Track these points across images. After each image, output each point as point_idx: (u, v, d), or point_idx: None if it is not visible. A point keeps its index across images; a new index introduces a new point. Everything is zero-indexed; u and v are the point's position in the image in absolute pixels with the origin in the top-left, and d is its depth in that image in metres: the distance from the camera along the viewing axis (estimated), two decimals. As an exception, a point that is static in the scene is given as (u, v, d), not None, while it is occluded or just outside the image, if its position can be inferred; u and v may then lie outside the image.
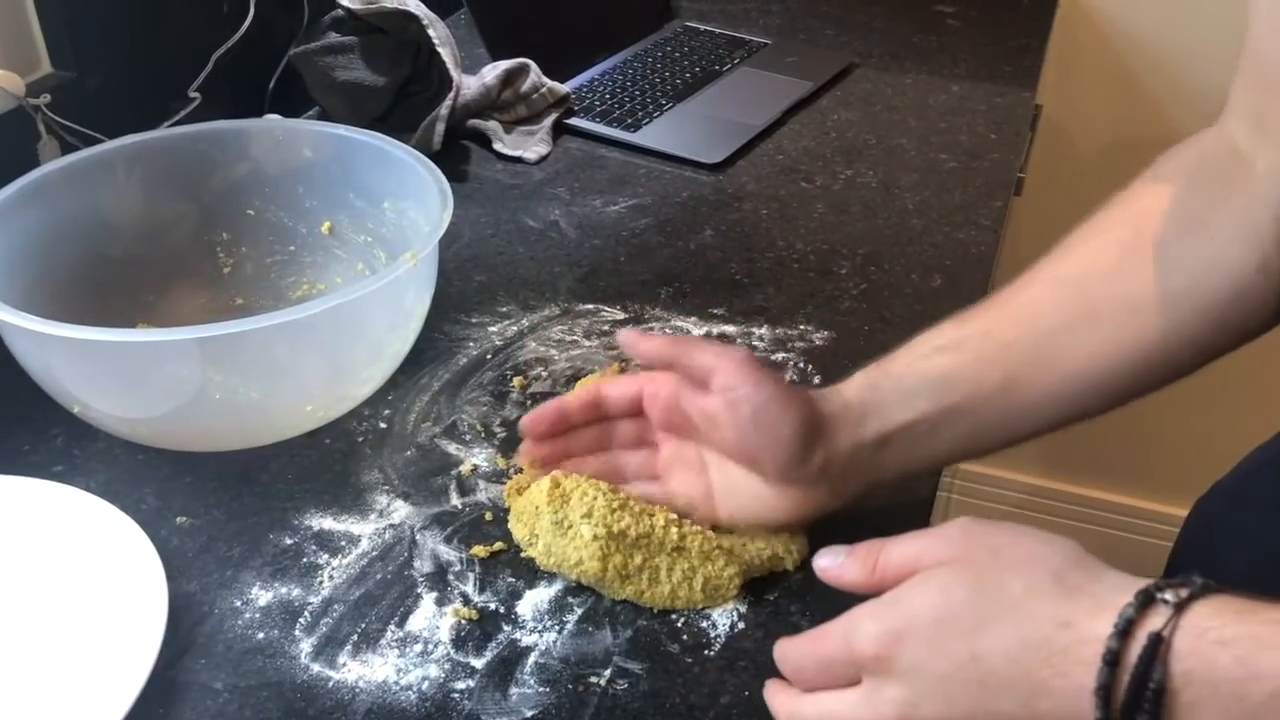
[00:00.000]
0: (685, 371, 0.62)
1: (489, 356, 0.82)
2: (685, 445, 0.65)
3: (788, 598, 0.63)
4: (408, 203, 0.79)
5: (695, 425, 0.63)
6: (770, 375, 0.60)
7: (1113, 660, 0.41)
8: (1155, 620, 0.41)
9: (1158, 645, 0.40)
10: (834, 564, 0.52)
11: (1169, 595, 0.41)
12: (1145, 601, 0.42)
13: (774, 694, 0.53)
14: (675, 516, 0.64)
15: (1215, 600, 0.41)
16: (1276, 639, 0.39)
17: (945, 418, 0.59)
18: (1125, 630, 0.41)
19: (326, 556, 0.66)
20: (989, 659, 0.44)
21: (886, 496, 0.70)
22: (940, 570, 0.47)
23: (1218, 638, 0.40)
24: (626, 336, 0.65)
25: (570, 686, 0.58)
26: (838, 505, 0.62)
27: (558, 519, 0.63)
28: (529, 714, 0.57)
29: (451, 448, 0.74)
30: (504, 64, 1.13)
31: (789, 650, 0.52)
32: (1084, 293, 0.60)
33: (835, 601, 0.62)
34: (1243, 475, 0.77)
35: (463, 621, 0.61)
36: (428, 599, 0.63)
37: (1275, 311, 0.57)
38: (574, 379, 0.79)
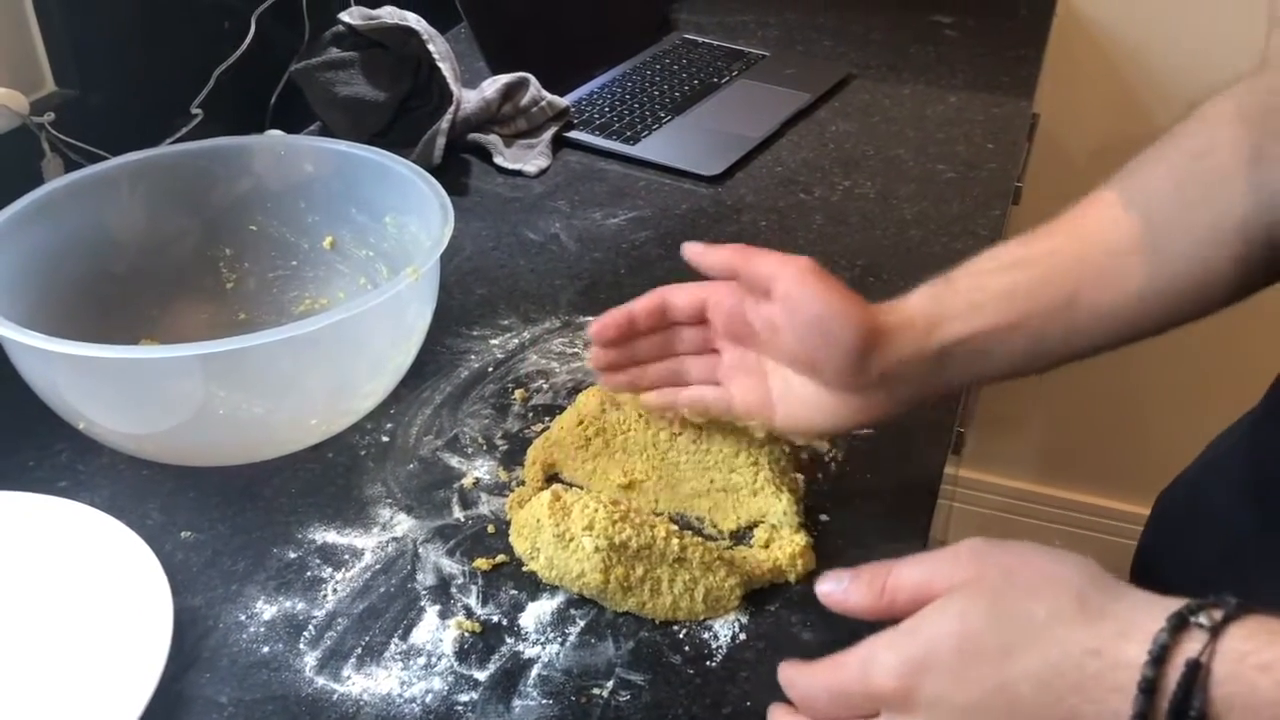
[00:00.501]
0: (748, 280, 0.62)
1: (490, 369, 0.83)
2: (747, 353, 0.65)
3: (789, 609, 0.64)
4: (409, 217, 0.80)
5: (757, 333, 0.63)
6: (832, 283, 0.60)
7: (1149, 689, 0.40)
8: (1191, 646, 0.40)
9: (1196, 672, 0.39)
10: (838, 589, 0.51)
11: (1203, 619, 0.41)
12: (1178, 625, 0.41)
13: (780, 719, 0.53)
14: (676, 528, 0.65)
15: (1250, 622, 0.41)
16: None
17: (1008, 332, 0.59)
18: (1160, 657, 0.40)
19: (330, 570, 0.66)
20: (1016, 687, 0.43)
21: (886, 505, 0.71)
22: (957, 596, 0.46)
23: (1257, 662, 0.39)
24: (692, 248, 0.65)
25: (573, 698, 0.58)
26: (897, 413, 0.62)
27: (559, 531, 0.63)
28: (532, 726, 0.57)
29: (453, 461, 0.74)
30: (504, 78, 1.13)
31: (798, 678, 0.51)
32: (1151, 216, 0.59)
33: (838, 614, 0.63)
34: (1204, 465, 0.77)
35: (466, 634, 0.62)
36: (431, 612, 0.63)
37: None
38: (575, 391, 0.79)
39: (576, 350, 0.85)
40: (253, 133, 1.05)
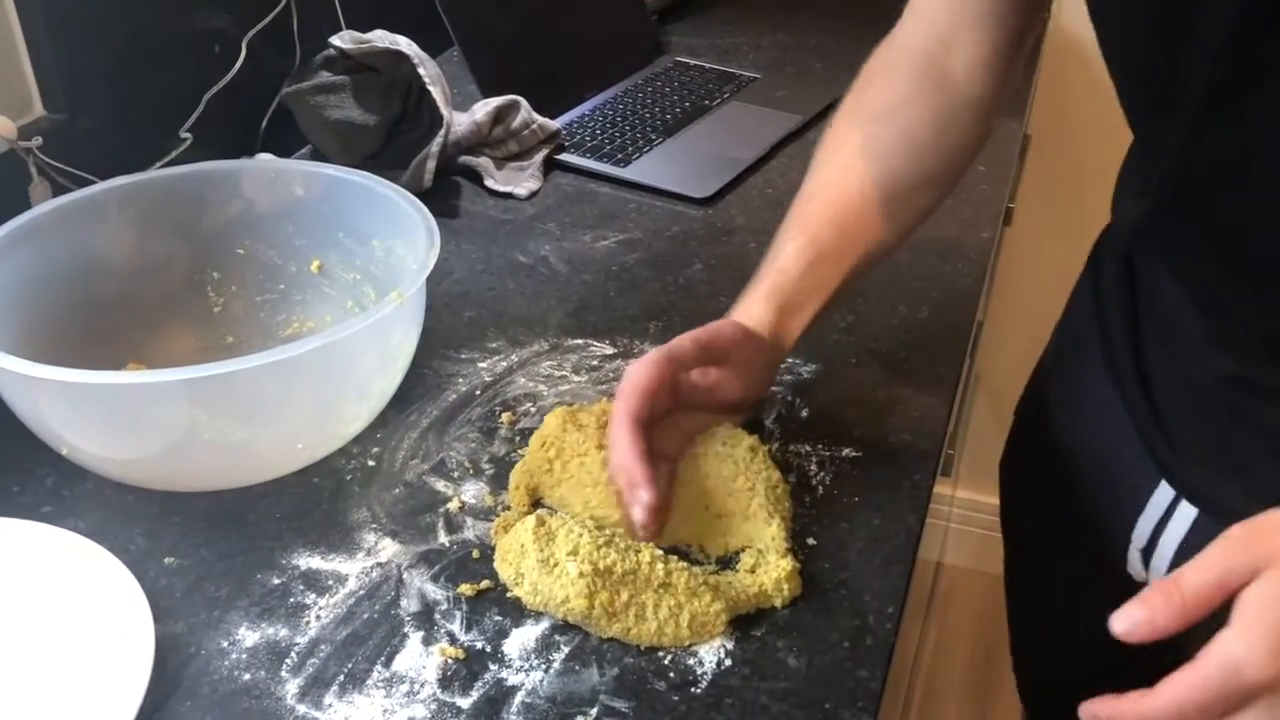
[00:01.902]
0: (713, 358, 0.71)
1: (478, 393, 0.83)
2: (664, 420, 0.70)
3: (775, 634, 0.63)
4: (396, 241, 0.80)
5: (684, 401, 0.70)
6: (756, 338, 0.73)
7: None
8: None
9: None
10: (1137, 620, 0.50)
11: None
12: None
13: None
14: (661, 553, 0.65)
15: None
16: None
17: (822, 312, 0.76)
18: None
19: (314, 596, 0.66)
20: None
21: (874, 529, 0.70)
22: (1272, 574, 0.48)
23: None
24: (659, 363, 0.68)
25: (557, 726, 0.58)
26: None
27: (543, 557, 0.63)
28: (515, 754, 0.57)
29: (440, 485, 0.74)
30: (494, 101, 1.14)
31: (1152, 707, 0.49)
32: (874, 170, 0.76)
33: (823, 638, 0.63)
34: (1026, 420, 0.96)
35: (449, 661, 0.61)
36: (414, 638, 0.63)
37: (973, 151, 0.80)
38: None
39: (565, 373, 0.85)
40: (243, 157, 1.06)
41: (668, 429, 0.70)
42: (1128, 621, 0.50)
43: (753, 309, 0.74)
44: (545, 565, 0.63)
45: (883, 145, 0.77)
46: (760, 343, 0.73)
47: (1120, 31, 0.65)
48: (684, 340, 0.69)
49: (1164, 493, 0.75)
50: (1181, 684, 0.49)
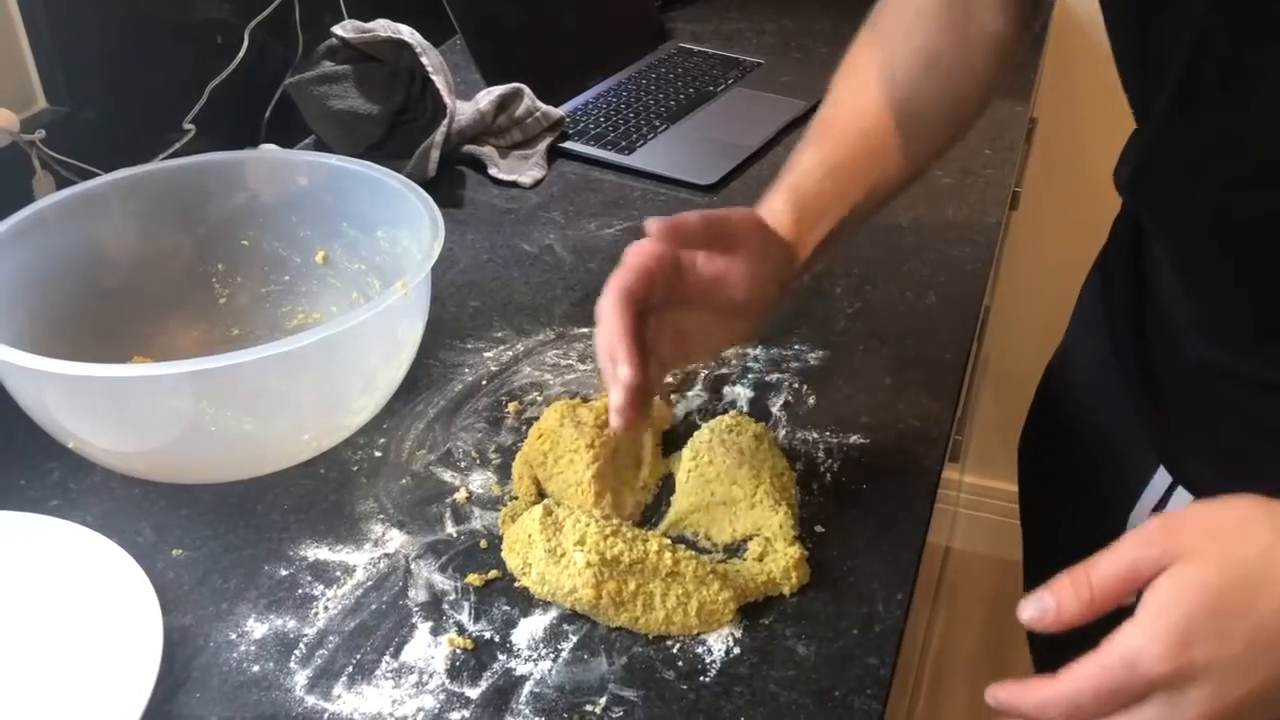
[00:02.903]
0: (719, 236, 0.64)
1: (484, 382, 0.82)
2: (663, 314, 0.64)
3: (783, 622, 0.63)
4: (401, 231, 0.79)
5: (688, 293, 0.64)
6: (771, 230, 0.67)
7: None
8: None
9: None
10: (1042, 609, 0.51)
11: None
12: None
13: None
14: (669, 541, 0.64)
15: None
16: None
17: (841, 225, 0.71)
18: None
19: (321, 587, 0.66)
20: (1270, 624, 0.47)
21: (882, 517, 0.70)
22: (1180, 568, 0.48)
23: None
24: (657, 223, 0.62)
25: (566, 715, 0.58)
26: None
27: (550, 546, 0.63)
28: (524, 744, 0.57)
29: (446, 475, 0.74)
30: (498, 89, 1.13)
31: (1060, 691, 0.49)
32: (896, 94, 0.73)
33: (832, 625, 0.63)
34: (1042, 403, 0.93)
35: (458, 651, 0.61)
36: (423, 629, 0.63)
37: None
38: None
39: (571, 362, 0.84)
40: (246, 147, 1.05)
41: (665, 327, 0.64)
42: (1036, 609, 0.51)
43: (772, 206, 0.69)
44: (552, 555, 0.62)
45: (901, 64, 0.74)
46: (776, 238, 0.67)
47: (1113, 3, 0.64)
48: (691, 214, 0.62)
49: (1161, 478, 0.75)
50: (1081, 674, 0.49)
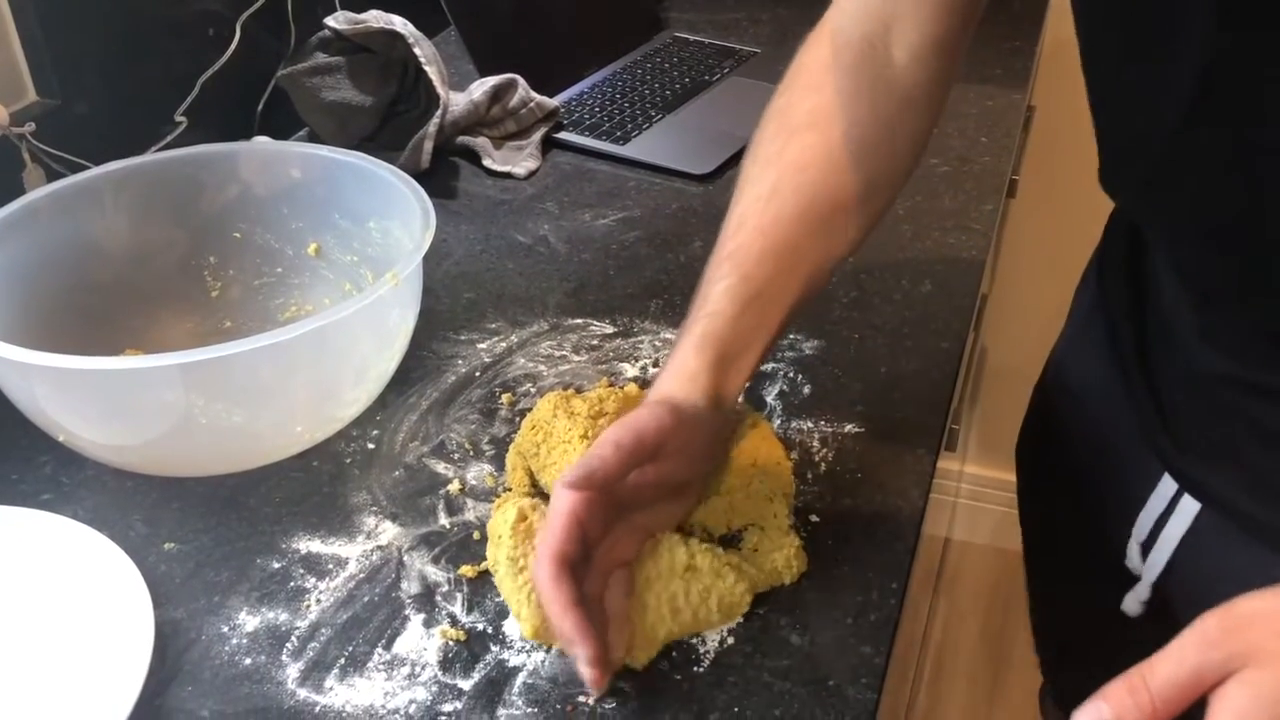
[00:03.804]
0: (644, 459, 0.61)
1: (478, 374, 0.82)
2: (614, 529, 0.63)
3: (778, 611, 0.63)
4: (393, 222, 0.79)
5: (626, 505, 0.62)
6: (689, 412, 0.62)
7: None
8: None
9: None
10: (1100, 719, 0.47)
11: None
12: None
13: None
14: (679, 536, 0.63)
15: None
16: None
17: (766, 352, 0.67)
18: None
19: (314, 580, 0.65)
20: None
21: (877, 506, 0.70)
22: (1252, 675, 0.45)
23: None
24: (573, 483, 0.58)
25: (559, 707, 0.58)
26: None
27: (514, 555, 0.61)
28: (517, 735, 0.56)
29: (440, 467, 0.74)
30: (492, 80, 1.13)
31: None
32: (811, 195, 0.68)
33: (826, 615, 0.62)
34: (1041, 402, 0.90)
35: (450, 643, 0.61)
36: (415, 620, 0.63)
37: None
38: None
39: (564, 353, 0.84)
40: (239, 139, 1.05)
41: (621, 536, 0.62)
42: (1092, 715, 0.47)
43: (685, 363, 0.64)
44: (513, 565, 0.61)
45: (819, 155, 0.68)
46: (694, 416, 0.62)
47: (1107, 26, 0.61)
48: (604, 450, 0.58)
49: (1167, 486, 0.73)
50: None
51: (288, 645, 0.61)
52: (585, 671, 0.55)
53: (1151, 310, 0.73)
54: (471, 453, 0.75)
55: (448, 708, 0.58)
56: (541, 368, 0.83)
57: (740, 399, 0.68)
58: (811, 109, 0.70)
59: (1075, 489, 0.84)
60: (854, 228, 0.70)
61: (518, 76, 1.14)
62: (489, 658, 0.60)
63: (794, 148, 0.69)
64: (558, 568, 0.56)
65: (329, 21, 1.09)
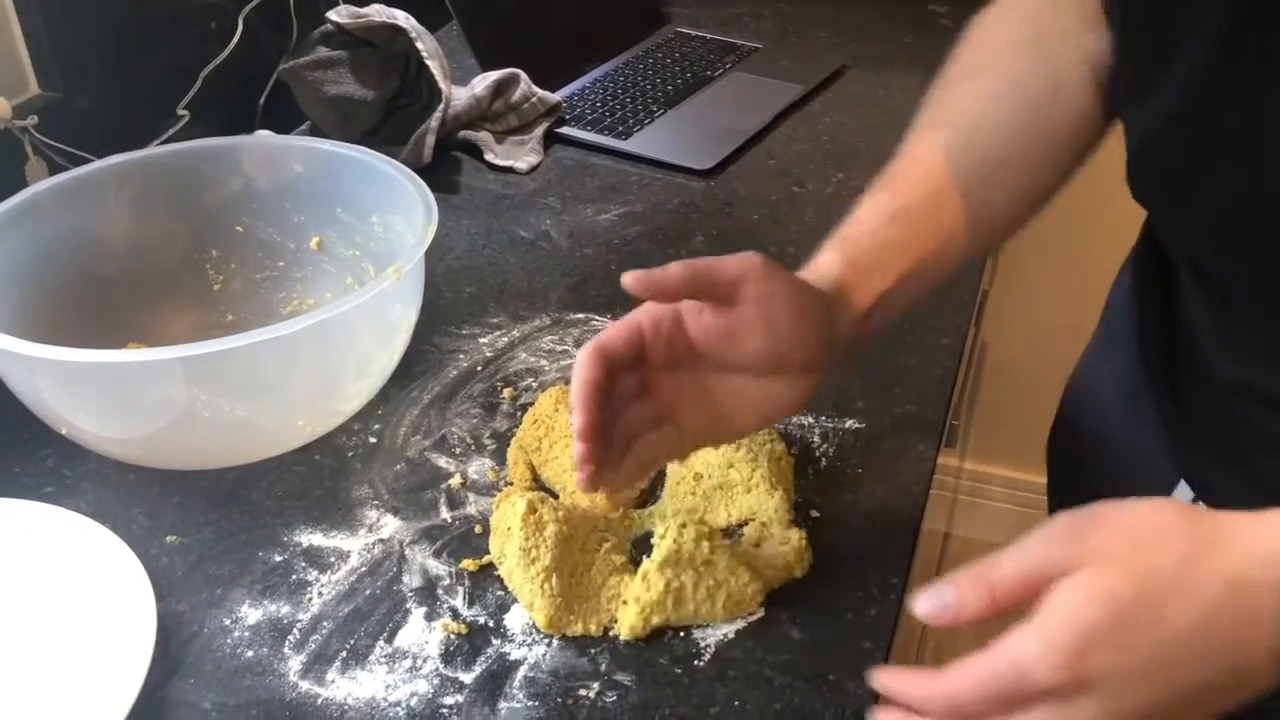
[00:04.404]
0: (711, 289, 0.57)
1: (479, 368, 0.82)
2: (682, 377, 0.60)
3: (778, 606, 0.63)
4: (395, 216, 0.79)
5: (702, 349, 0.59)
6: (788, 273, 0.59)
7: None
8: None
9: None
10: (941, 606, 0.48)
11: None
12: None
13: None
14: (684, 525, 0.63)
15: None
16: None
17: (907, 280, 0.63)
18: None
19: (316, 573, 0.65)
20: (1179, 639, 0.44)
21: (877, 500, 0.70)
22: (1087, 573, 0.46)
23: None
24: (633, 276, 0.56)
25: (559, 700, 0.58)
26: (826, 381, 0.63)
27: (526, 547, 0.62)
28: (518, 728, 0.57)
29: (441, 461, 0.74)
30: (494, 74, 1.13)
31: (934, 691, 0.47)
32: (976, 136, 0.66)
33: (827, 609, 0.62)
34: (1072, 400, 0.85)
35: (452, 636, 0.61)
36: (417, 614, 0.63)
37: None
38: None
39: (566, 348, 0.84)
40: (241, 133, 1.05)
41: (685, 392, 0.59)
42: (934, 604, 0.47)
43: (819, 259, 0.62)
44: (525, 556, 0.62)
45: (984, 97, 0.66)
46: (788, 276, 0.58)
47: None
48: (672, 265, 0.56)
49: (1182, 493, 0.71)
50: (968, 674, 0.46)
51: (289, 638, 0.61)
52: (575, 448, 0.55)
53: (1178, 315, 0.71)
54: (473, 447, 0.75)
55: (449, 701, 0.58)
56: (543, 362, 0.83)
57: (875, 319, 0.63)
58: (978, 55, 0.68)
59: (1102, 489, 0.82)
60: (1001, 196, 0.66)
61: (520, 71, 1.14)
62: (490, 651, 0.61)
63: (957, 91, 0.67)
64: (594, 351, 0.55)
65: (331, 15, 1.09)
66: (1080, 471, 0.87)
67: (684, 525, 0.62)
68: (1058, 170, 0.67)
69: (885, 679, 0.48)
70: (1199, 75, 0.55)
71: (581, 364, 0.56)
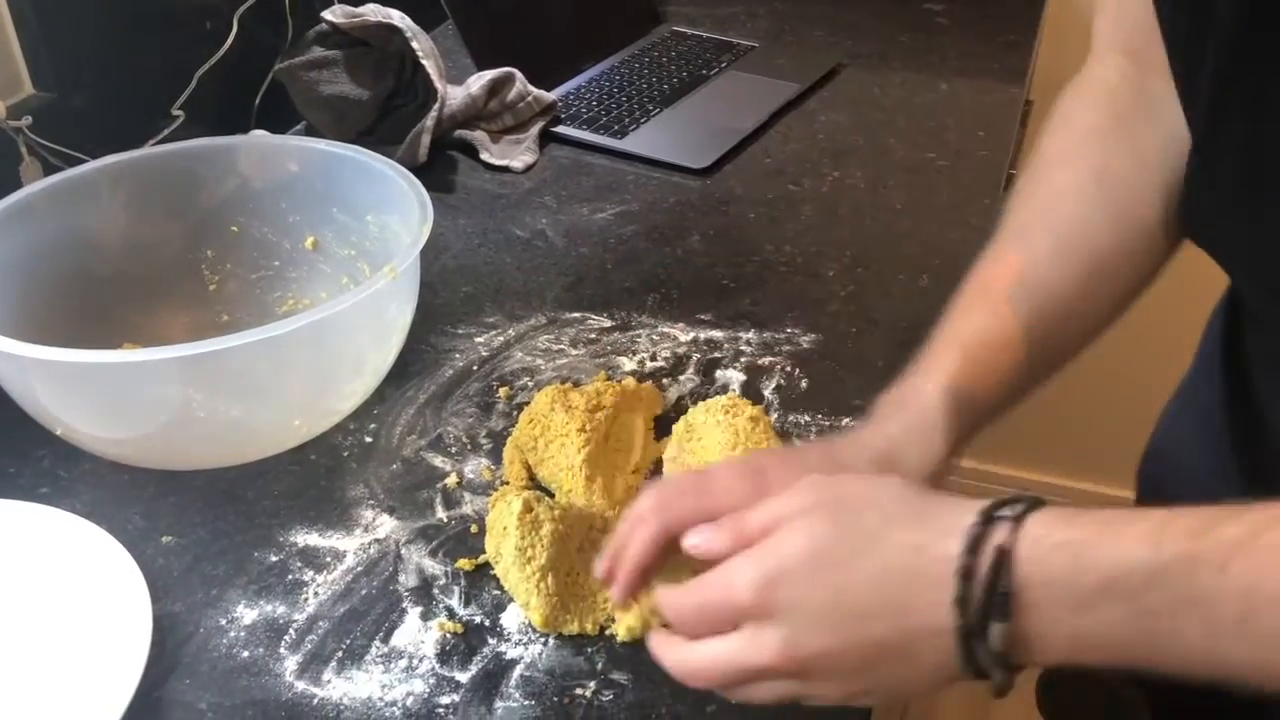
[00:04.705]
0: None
1: (475, 368, 0.82)
2: None
3: (774, 604, 0.63)
4: (390, 216, 0.79)
5: None
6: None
7: (966, 575, 0.45)
8: (999, 535, 0.45)
9: (1003, 556, 0.45)
10: (703, 540, 0.52)
11: (1008, 511, 0.46)
12: (987, 520, 0.46)
13: (660, 644, 0.53)
14: None
15: (1047, 512, 0.46)
16: (1099, 539, 0.44)
17: (978, 420, 0.63)
18: (973, 547, 0.45)
19: (311, 573, 0.65)
20: (858, 588, 0.47)
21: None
22: (803, 517, 0.49)
23: (1052, 543, 0.45)
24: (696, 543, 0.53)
25: (556, 699, 0.58)
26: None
27: (522, 546, 0.62)
28: (514, 727, 0.57)
29: (437, 460, 0.74)
30: (489, 74, 1.13)
31: (672, 600, 0.52)
32: (1071, 254, 0.64)
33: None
34: (1166, 430, 0.83)
35: (448, 635, 0.61)
36: (413, 613, 0.63)
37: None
38: (560, 388, 0.79)
39: (562, 347, 0.84)
40: (236, 133, 1.05)
41: None
42: (698, 537, 0.52)
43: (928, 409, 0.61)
44: (521, 555, 0.62)
45: (1061, 188, 0.64)
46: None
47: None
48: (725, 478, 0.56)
49: None
50: (693, 588, 0.50)
51: (285, 638, 0.61)
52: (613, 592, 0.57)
53: (1266, 371, 0.68)
54: (469, 446, 0.75)
55: (445, 700, 0.58)
56: (539, 361, 0.83)
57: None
58: (1060, 146, 0.68)
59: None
60: (1090, 307, 0.65)
61: (515, 70, 1.14)
62: (486, 650, 0.61)
63: (1039, 192, 0.67)
64: (657, 532, 0.54)
65: (326, 15, 1.09)
66: (1161, 494, 0.83)
67: None
68: (1147, 259, 0.65)
69: (664, 597, 0.52)
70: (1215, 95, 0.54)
71: (640, 542, 0.55)
